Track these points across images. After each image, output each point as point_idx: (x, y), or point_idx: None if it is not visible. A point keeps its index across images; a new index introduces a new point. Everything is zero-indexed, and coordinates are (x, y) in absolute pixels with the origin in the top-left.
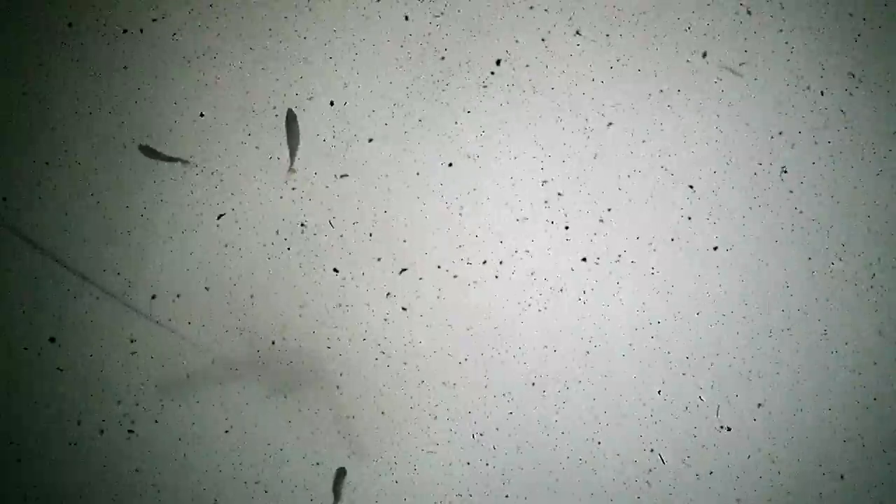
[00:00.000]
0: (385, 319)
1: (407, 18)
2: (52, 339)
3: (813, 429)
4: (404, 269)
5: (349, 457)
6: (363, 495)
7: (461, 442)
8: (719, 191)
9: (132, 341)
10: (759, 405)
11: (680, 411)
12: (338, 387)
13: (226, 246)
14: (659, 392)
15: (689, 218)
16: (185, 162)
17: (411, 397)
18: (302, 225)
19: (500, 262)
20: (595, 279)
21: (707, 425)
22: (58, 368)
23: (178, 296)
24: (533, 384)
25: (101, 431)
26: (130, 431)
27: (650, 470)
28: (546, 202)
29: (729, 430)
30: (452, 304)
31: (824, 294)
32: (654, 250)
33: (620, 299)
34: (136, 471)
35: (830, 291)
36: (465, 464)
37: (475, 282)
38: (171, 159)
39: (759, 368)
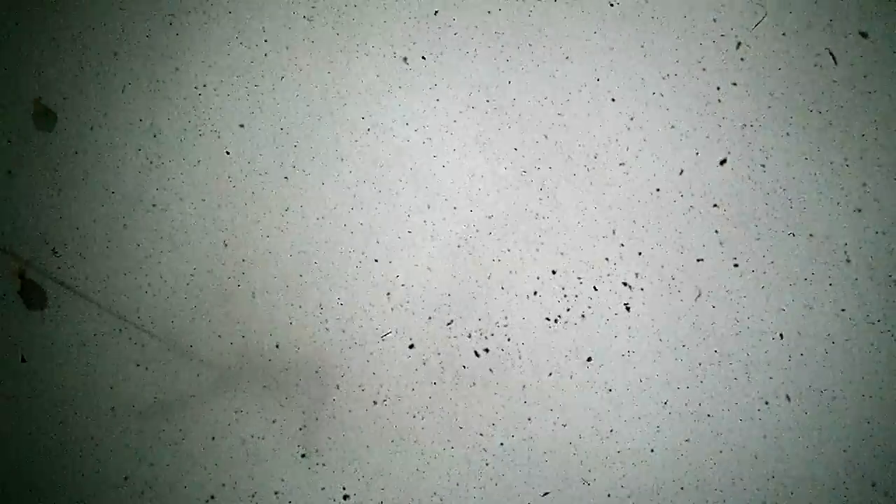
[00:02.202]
0: (386, 319)
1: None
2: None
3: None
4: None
5: (347, 459)
6: (363, 498)
7: (465, 444)
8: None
9: (130, 347)
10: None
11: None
12: (338, 386)
13: (226, 245)
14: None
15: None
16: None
17: (412, 398)
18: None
19: (511, 273)
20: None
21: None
22: (50, 374)
23: (175, 298)
24: (541, 389)
25: (92, 437)
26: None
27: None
28: None
29: (767, 404)
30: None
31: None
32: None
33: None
34: (126, 479)
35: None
36: (468, 466)
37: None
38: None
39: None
